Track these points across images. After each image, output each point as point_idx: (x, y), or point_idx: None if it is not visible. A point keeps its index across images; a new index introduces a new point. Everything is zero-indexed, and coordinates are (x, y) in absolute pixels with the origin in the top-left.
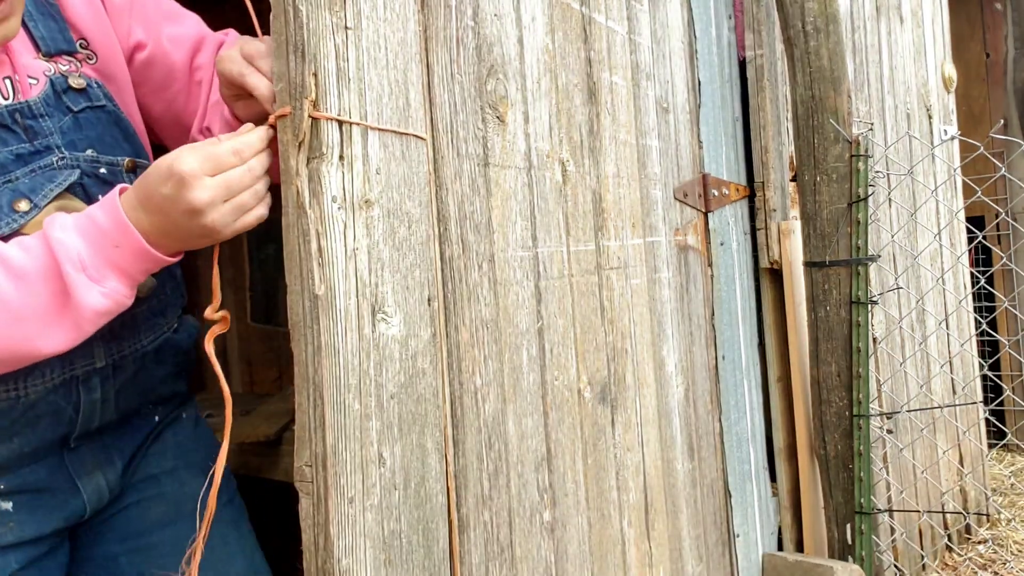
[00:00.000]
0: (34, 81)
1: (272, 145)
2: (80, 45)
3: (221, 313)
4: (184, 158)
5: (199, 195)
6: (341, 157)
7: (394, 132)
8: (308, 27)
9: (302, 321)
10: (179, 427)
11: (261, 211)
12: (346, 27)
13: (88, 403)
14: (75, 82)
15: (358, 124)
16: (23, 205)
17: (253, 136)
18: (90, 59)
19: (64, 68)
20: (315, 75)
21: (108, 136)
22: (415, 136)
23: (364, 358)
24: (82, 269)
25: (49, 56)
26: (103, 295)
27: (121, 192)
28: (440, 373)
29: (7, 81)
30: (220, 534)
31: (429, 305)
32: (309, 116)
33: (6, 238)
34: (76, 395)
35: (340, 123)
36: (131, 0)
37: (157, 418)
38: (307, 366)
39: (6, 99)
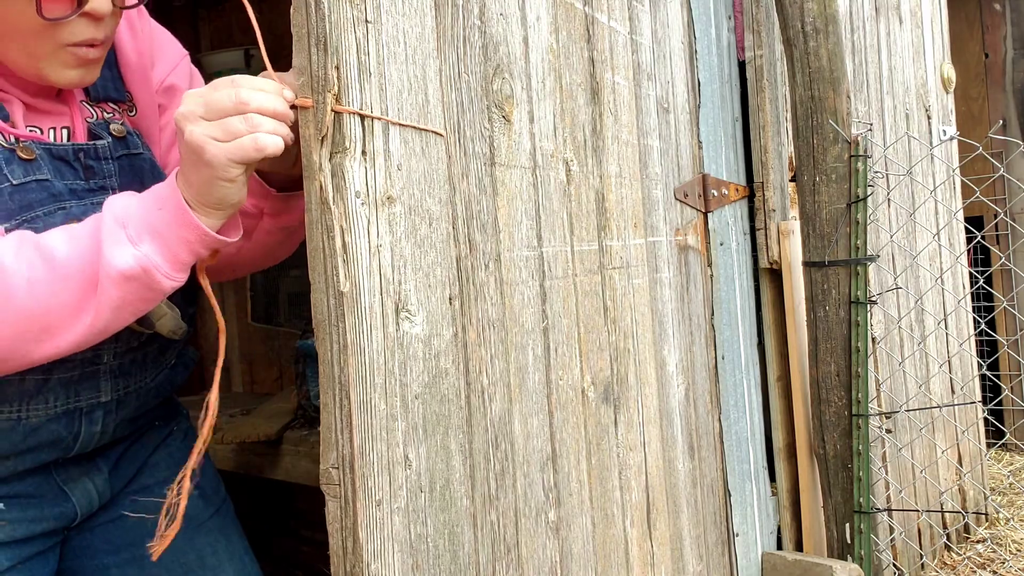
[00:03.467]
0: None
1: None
2: (126, 96)
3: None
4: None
5: (181, 108)
6: (363, 152)
7: (414, 128)
8: (330, 20)
9: (327, 319)
10: (171, 440)
11: (261, 140)
12: (367, 20)
13: (88, 434)
14: (116, 129)
15: (379, 119)
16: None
17: (256, 78)
18: (131, 111)
19: (107, 115)
20: (337, 68)
21: (137, 184)
22: (434, 132)
23: (389, 357)
24: (123, 226)
25: (96, 101)
26: (133, 256)
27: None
28: (462, 373)
29: (64, 131)
30: (209, 543)
31: (451, 304)
32: (332, 110)
33: None
34: (78, 426)
35: (362, 117)
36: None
37: (142, 428)
38: (332, 365)
39: (59, 143)
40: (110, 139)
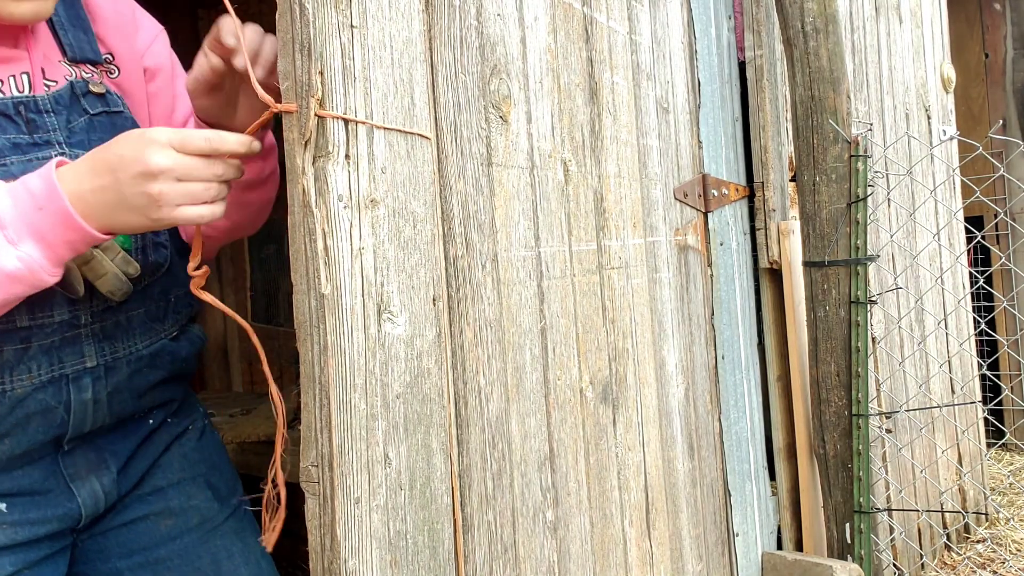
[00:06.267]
0: (53, 83)
1: (246, 160)
2: (105, 59)
3: (201, 271)
4: (158, 128)
5: (159, 159)
6: (347, 156)
7: (399, 131)
8: (314, 25)
9: (308, 321)
10: (185, 439)
11: (208, 211)
12: (352, 26)
13: (79, 403)
14: (95, 88)
15: (364, 123)
16: None
17: (231, 136)
18: (111, 73)
19: (87, 75)
20: (321, 73)
21: None
22: (420, 135)
23: (370, 358)
24: (0, 228)
25: (74, 62)
26: (17, 258)
27: (60, 164)
28: (445, 373)
29: (24, 76)
30: (224, 547)
31: (434, 305)
32: (315, 115)
33: None
34: (66, 394)
35: (346, 122)
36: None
37: (152, 421)
38: (313, 366)
39: (20, 92)
40: (69, 92)
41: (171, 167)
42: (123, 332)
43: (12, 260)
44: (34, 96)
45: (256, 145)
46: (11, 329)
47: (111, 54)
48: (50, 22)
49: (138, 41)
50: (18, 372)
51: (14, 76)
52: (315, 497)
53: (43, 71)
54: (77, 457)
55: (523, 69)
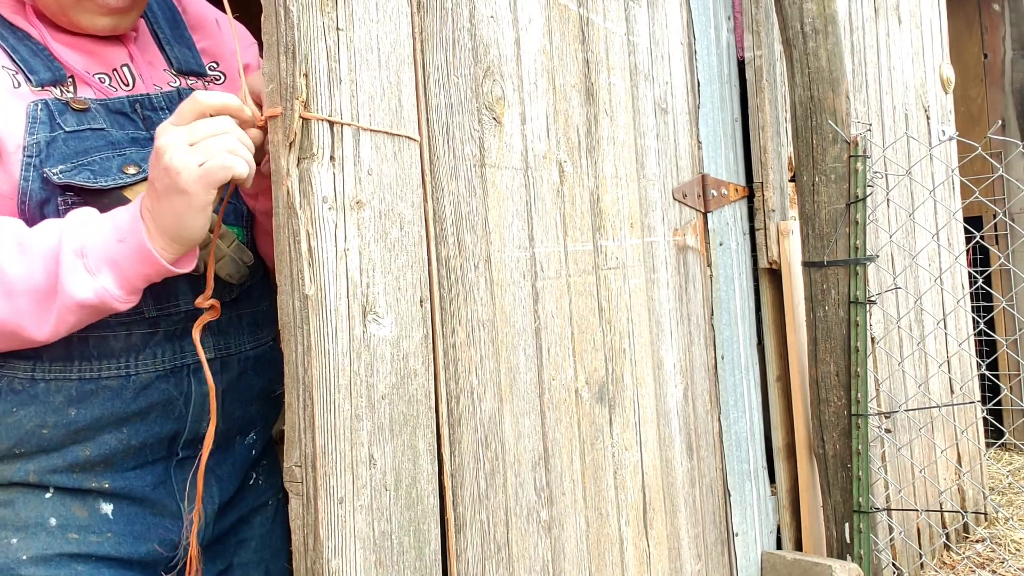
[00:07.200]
0: (158, 88)
1: (263, 133)
2: (210, 67)
3: (211, 302)
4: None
5: (162, 139)
6: (332, 158)
7: (386, 133)
8: (299, 28)
9: (292, 321)
10: (265, 512)
11: (229, 161)
12: (338, 28)
13: (199, 395)
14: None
15: (349, 125)
16: (131, 169)
17: (224, 95)
18: (218, 80)
19: (192, 83)
20: (306, 76)
21: None
22: (407, 137)
23: (355, 359)
24: (81, 256)
25: (180, 73)
26: (92, 289)
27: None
28: (432, 374)
29: (125, 68)
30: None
31: (421, 306)
32: (300, 117)
33: (109, 191)
34: (187, 385)
35: (331, 124)
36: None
37: (249, 442)
38: (297, 366)
39: (126, 85)
40: (176, 96)
41: (175, 140)
42: (235, 329)
43: (87, 291)
44: (148, 94)
45: (235, 101)
46: (139, 319)
47: (216, 61)
48: (156, 38)
49: (231, 43)
50: (144, 356)
51: (116, 69)
52: (298, 497)
53: (150, 76)
54: (187, 472)
55: (517, 71)
